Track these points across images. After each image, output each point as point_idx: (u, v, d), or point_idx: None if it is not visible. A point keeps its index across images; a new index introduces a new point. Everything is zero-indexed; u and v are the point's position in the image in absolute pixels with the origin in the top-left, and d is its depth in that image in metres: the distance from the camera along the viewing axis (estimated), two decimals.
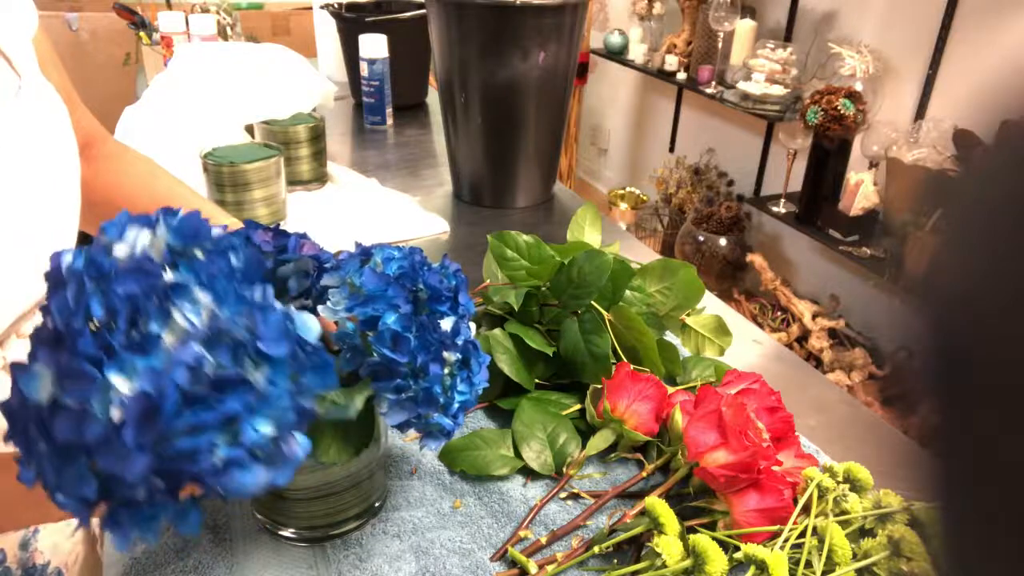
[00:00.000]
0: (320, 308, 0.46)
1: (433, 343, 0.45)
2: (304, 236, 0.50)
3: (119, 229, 0.35)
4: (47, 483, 0.34)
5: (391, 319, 0.44)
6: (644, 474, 0.60)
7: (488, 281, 0.73)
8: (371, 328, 0.45)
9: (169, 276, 0.34)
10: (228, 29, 1.83)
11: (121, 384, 0.31)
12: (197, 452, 0.32)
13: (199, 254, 0.35)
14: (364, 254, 0.49)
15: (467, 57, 1.02)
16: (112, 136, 0.72)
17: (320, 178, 1.16)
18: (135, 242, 0.35)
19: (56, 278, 0.34)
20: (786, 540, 0.52)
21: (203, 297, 0.34)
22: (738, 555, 0.50)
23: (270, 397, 0.34)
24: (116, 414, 0.31)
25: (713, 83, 2.50)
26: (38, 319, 0.35)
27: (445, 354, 0.46)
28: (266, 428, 0.34)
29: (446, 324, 0.47)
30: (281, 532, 0.55)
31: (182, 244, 0.35)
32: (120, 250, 0.34)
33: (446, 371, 0.47)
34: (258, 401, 0.34)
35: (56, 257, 0.34)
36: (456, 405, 0.48)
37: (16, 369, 0.33)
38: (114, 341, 0.32)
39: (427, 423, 0.47)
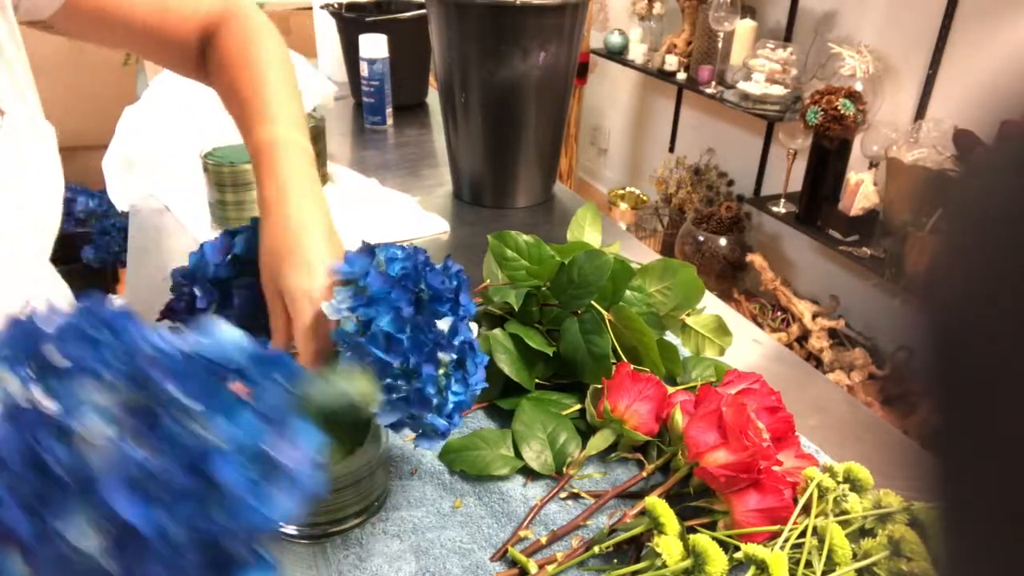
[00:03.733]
0: (323, 305, 0.47)
1: (427, 344, 0.45)
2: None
3: None
4: None
5: (384, 320, 0.44)
6: (644, 474, 0.60)
7: (488, 281, 0.73)
8: (367, 329, 0.45)
9: (46, 406, 0.28)
10: None
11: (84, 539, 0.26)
12: (193, 535, 0.28)
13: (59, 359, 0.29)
14: (371, 253, 0.49)
15: (467, 57, 1.02)
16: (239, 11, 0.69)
17: (320, 178, 1.15)
18: None
19: None
20: (786, 540, 0.52)
21: (93, 393, 0.28)
22: (738, 555, 0.50)
23: (228, 438, 0.29)
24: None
25: (713, 83, 2.50)
26: None
27: (440, 355, 0.46)
28: (241, 472, 0.29)
29: (444, 325, 0.47)
30: (282, 529, 0.55)
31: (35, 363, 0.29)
32: None
33: (440, 372, 0.47)
34: (219, 455, 0.29)
35: None
36: (451, 406, 0.48)
37: None
38: (37, 499, 0.26)
39: (421, 423, 0.47)
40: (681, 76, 2.65)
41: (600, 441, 0.62)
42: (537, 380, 0.68)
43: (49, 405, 0.28)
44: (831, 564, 0.51)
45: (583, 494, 0.60)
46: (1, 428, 0.27)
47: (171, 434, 0.28)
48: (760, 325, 2.24)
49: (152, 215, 1.06)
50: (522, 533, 0.56)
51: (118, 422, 0.28)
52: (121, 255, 2.33)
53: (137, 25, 0.66)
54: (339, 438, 0.48)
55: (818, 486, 0.55)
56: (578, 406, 0.66)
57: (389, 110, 1.45)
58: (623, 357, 0.66)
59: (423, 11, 1.42)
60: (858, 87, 2.00)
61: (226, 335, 0.32)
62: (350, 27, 1.47)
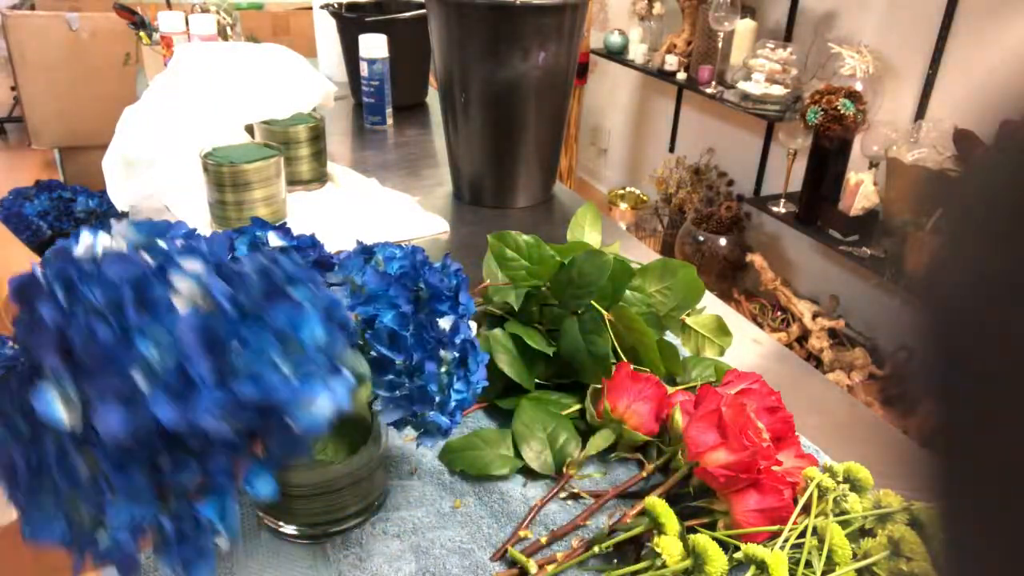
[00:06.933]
0: None
1: (429, 342, 0.46)
2: (315, 242, 0.50)
3: (72, 240, 0.33)
4: (76, 530, 0.30)
5: (388, 317, 0.45)
6: (644, 474, 0.60)
7: (488, 281, 0.73)
8: (370, 326, 0.45)
9: (148, 259, 0.31)
10: (228, 29, 1.83)
11: (154, 353, 0.29)
12: (262, 372, 0.30)
13: (162, 244, 0.33)
14: (366, 252, 0.49)
15: (467, 57, 1.02)
16: None
17: (320, 178, 1.16)
18: (96, 244, 0.32)
19: (29, 291, 0.31)
20: (786, 540, 0.52)
21: (195, 265, 0.31)
22: (738, 555, 0.50)
23: (311, 307, 0.32)
24: (158, 357, 0.29)
25: (713, 83, 2.50)
26: None
27: (442, 353, 0.46)
28: (320, 332, 0.32)
29: (445, 323, 0.47)
30: (282, 529, 0.55)
31: (145, 238, 0.33)
32: (85, 250, 0.32)
33: (442, 369, 0.47)
34: (305, 311, 0.32)
35: (19, 277, 0.31)
36: (453, 404, 0.48)
37: (19, 405, 0.30)
38: (132, 318, 0.29)
39: (423, 421, 0.47)
40: (681, 76, 2.65)
41: (600, 441, 0.62)
42: (537, 380, 0.68)
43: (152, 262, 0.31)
44: (831, 564, 0.51)
45: (583, 494, 0.60)
46: (120, 261, 0.31)
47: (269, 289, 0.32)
48: (760, 325, 2.24)
49: (152, 215, 1.05)
50: (522, 533, 0.56)
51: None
52: None
53: None
54: (341, 438, 0.48)
55: (818, 486, 0.55)
56: (578, 406, 0.66)
57: (389, 110, 1.45)
58: (623, 357, 0.66)
59: (423, 11, 1.42)
60: (858, 87, 2.00)
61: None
62: (350, 27, 1.47)
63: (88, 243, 0.32)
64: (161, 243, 0.33)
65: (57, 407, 0.29)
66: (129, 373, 0.28)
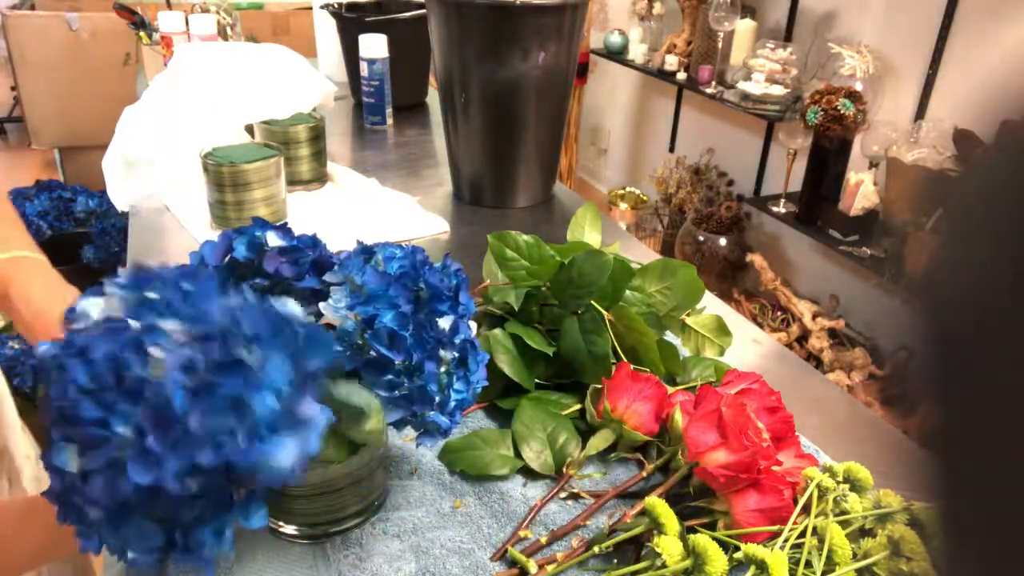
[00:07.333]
0: (321, 305, 0.47)
1: (429, 341, 0.46)
2: (315, 242, 0.50)
3: (76, 307, 0.38)
4: (112, 548, 0.36)
5: (387, 317, 0.45)
6: (644, 474, 0.60)
7: (488, 281, 0.73)
8: (370, 326, 0.45)
9: (135, 324, 0.36)
10: (228, 29, 1.83)
11: (125, 429, 0.33)
12: (217, 439, 0.34)
13: (153, 295, 0.37)
14: (366, 252, 0.49)
15: (467, 57, 1.02)
16: None
17: (320, 178, 1.16)
18: (92, 311, 0.37)
19: (44, 370, 0.36)
20: (786, 540, 0.52)
21: (170, 325, 0.36)
22: (738, 555, 0.50)
23: (268, 371, 0.35)
24: (129, 433, 0.33)
25: (713, 83, 2.50)
26: None
27: (441, 352, 0.46)
28: (271, 399, 0.35)
29: (445, 323, 0.47)
30: (282, 529, 0.55)
31: (135, 295, 0.38)
32: (83, 321, 0.37)
33: (442, 369, 0.47)
34: (258, 377, 0.35)
35: (40, 353, 0.36)
36: (453, 404, 0.48)
37: (45, 454, 0.35)
38: (109, 398, 0.34)
39: (423, 421, 0.47)
40: (681, 76, 2.65)
41: (600, 441, 0.62)
42: (537, 380, 0.68)
43: (136, 326, 0.36)
44: (831, 564, 0.51)
45: (583, 494, 0.60)
46: (99, 334, 0.35)
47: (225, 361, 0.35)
48: (760, 325, 2.24)
49: (152, 215, 1.06)
50: (522, 533, 0.56)
51: (181, 346, 0.35)
52: (121, 255, 2.33)
53: None
54: (342, 438, 0.48)
55: (818, 486, 0.55)
56: (578, 406, 0.66)
57: (389, 110, 1.45)
58: (623, 357, 0.66)
59: (423, 11, 1.42)
60: (858, 87, 2.00)
61: (288, 306, 0.39)
62: (350, 27, 1.47)
63: (89, 310, 0.38)
64: (151, 295, 0.37)
65: (65, 459, 0.35)
66: (110, 443, 0.34)
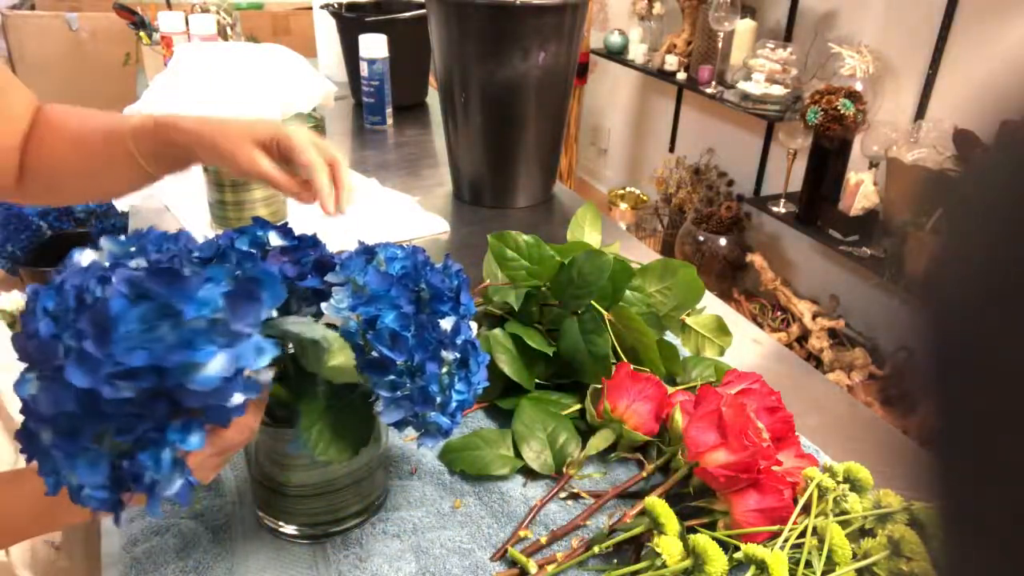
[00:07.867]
0: (323, 305, 0.47)
1: (431, 342, 0.45)
2: (316, 241, 0.51)
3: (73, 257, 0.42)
4: (68, 484, 0.37)
5: (390, 318, 0.45)
6: (644, 474, 0.60)
7: (488, 281, 0.73)
8: (372, 327, 0.45)
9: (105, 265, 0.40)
10: (228, 29, 1.83)
11: (71, 339, 0.36)
12: (149, 345, 0.36)
13: (133, 249, 0.43)
14: (367, 252, 0.49)
15: (467, 57, 1.02)
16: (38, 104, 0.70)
17: None
18: (83, 261, 0.42)
19: (31, 307, 0.39)
20: (786, 540, 0.52)
21: (136, 262, 0.41)
22: (738, 555, 0.50)
23: (204, 284, 0.38)
24: (74, 343, 0.36)
25: (713, 83, 2.50)
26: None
27: (443, 353, 0.46)
28: (204, 310, 0.37)
29: (446, 324, 0.47)
30: (282, 529, 0.55)
31: (121, 248, 0.42)
32: (71, 267, 0.41)
33: (444, 370, 0.47)
34: (191, 286, 0.37)
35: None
36: (454, 404, 0.48)
37: (15, 386, 0.38)
38: (68, 318, 0.37)
39: (424, 421, 0.47)
40: (681, 76, 2.65)
41: (600, 441, 0.62)
42: (537, 380, 0.68)
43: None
44: (831, 564, 0.51)
45: (583, 494, 0.60)
46: (75, 272, 0.39)
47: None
48: (760, 325, 2.24)
49: (152, 215, 1.06)
50: (522, 533, 0.56)
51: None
52: None
53: None
54: (344, 439, 0.48)
55: (818, 486, 0.55)
56: (578, 406, 0.66)
57: (389, 110, 1.45)
58: (623, 357, 0.66)
59: (423, 11, 1.42)
60: (858, 87, 2.00)
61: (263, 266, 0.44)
62: (350, 27, 1.47)
63: (78, 261, 0.41)
64: (133, 249, 0.42)
65: (26, 387, 0.38)
66: (57, 354, 0.36)
